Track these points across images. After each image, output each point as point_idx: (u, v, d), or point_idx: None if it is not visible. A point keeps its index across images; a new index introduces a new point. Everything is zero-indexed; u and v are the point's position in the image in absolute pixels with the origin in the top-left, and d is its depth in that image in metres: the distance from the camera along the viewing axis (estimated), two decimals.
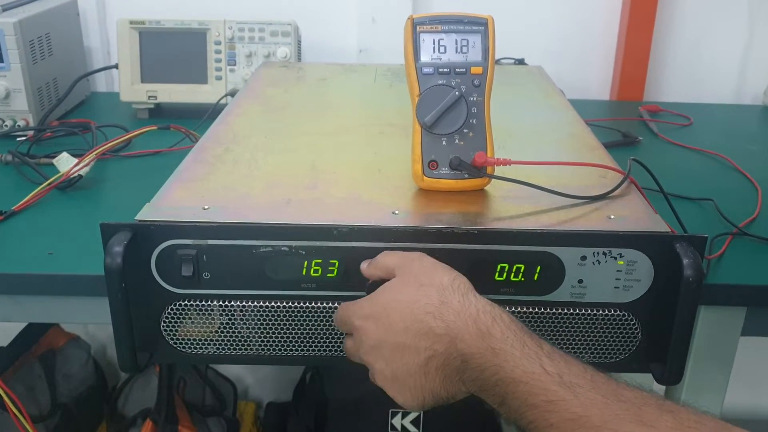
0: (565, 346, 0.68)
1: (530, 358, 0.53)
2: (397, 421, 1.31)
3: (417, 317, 0.56)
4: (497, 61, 1.37)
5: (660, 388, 0.81)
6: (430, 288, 0.58)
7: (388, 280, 0.62)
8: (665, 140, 1.26)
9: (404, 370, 0.57)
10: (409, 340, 0.57)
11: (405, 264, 0.61)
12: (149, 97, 1.32)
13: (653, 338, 0.67)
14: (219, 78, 1.32)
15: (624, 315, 0.67)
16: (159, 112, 1.35)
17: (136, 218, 0.65)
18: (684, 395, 0.92)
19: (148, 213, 0.66)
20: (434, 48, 0.71)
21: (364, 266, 0.64)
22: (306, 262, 0.65)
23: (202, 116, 1.20)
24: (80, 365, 1.47)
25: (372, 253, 0.65)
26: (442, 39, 0.71)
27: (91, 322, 1.44)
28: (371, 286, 0.63)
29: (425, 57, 0.70)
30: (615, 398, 0.50)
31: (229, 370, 1.60)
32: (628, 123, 1.33)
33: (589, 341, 0.68)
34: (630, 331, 0.67)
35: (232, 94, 1.28)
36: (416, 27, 0.71)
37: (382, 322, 0.58)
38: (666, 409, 0.49)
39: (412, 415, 1.30)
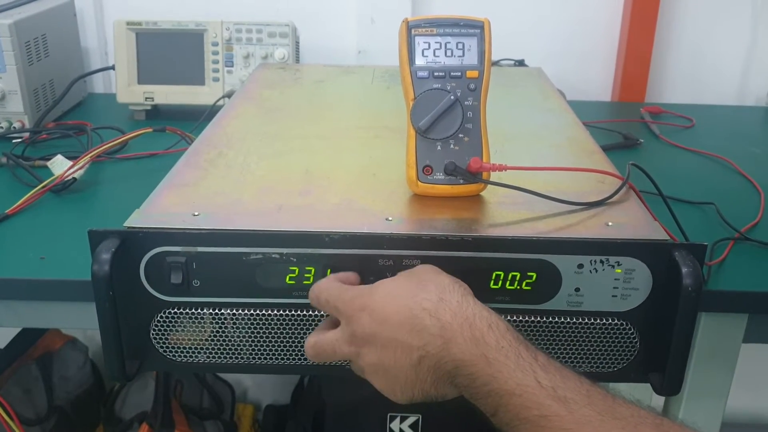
0: (561, 356, 0.67)
1: (524, 370, 0.51)
2: (395, 425, 1.29)
3: (413, 312, 0.55)
4: (496, 63, 1.36)
5: (660, 397, 0.80)
6: (430, 284, 0.57)
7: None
8: (666, 142, 1.25)
9: (395, 366, 0.56)
10: (402, 336, 0.55)
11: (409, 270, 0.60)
12: (146, 98, 1.32)
13: (652, 348, 0.66)
14: (216, 79, 1.31)
15: (622, 324, 0.65)
16: (156, 114, 1.34)
17: (124, 225, 0.64)
18: (685, 403, 0.91)
19: (137, 219, 0.65)
20: (429, 51, 0.69)
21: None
22: (297, 270, 0.64)
23: (199, 118, 1.19)
24: (77, 368, 1.47)
25: (365, 260, 0.63)
26: (438, 42, 0.69)
27: (84, 327, 1.43)
28: None
29: (420, 61, 0.69)
30: (610, 415, 0.49)
31: (227, 373, 1.59)
32: (629, 124, 1.31)
33: (586, 351, 0.67)
34: (628, 341, 0.66)
35: (230, 95, 1.27)
36: (411, 30, 0.69)
37: (376, 315, 0.57)
38: (663, 428, 0.48)
39: (411, 419, 1.28)
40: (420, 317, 0.55)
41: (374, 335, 0.57)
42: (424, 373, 0.55)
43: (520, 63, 1.38)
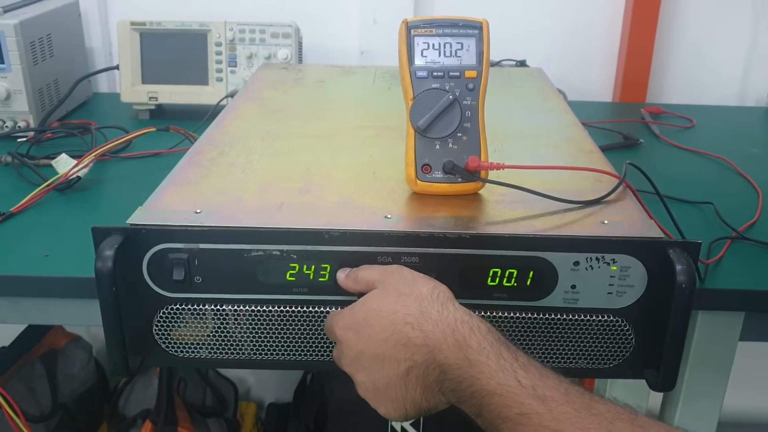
0: (557, 352, 0.68)
1: (505, 370, 0.53)
2: (397, 424, 1.30)
3: (396, 328, 0.57)
4: (498, 63, 1.37)
5: (657, 396, 0.81)
6: (410, 298, 0.58)
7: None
8: (667, 142, 1.26)
9: (385, 381, 0.57)
10: (388, 351, 0.57)
11: (385, 277, 0.61)
12: (150, 98, 1.33)
13: (647, 344, 0.66)
14: (220, 79, 1.32)
15: (617, 321, 0.66)
16: (160, 114, 1.35)
17: (127, 222, 0.65)
18: (682, 401, 0.91)
19: (139, 217, 0.66)
20: (428, 52, 0.70)
21: (342, 277, 0.64)
22: (298, 267, 0.65)
23: (203, 117, 1.20)
24: (82, 365, 1.48)
25: (364, 258, 0.64)
26: (437, 42, 0.70)
27: (88, 324, 1.44)
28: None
29: (419, 61, 0.70)
30: (587, 412, 0.50)
31: (230, 370, 1.60)
32: (629, 125, 1.32)
33: (582, 347, 0.67)
34: (623, 337, 0.67)
35: (233, 95, 1.28)
36: (410, 30, 0.70)
37: (362, 334, 0.58)
38: (638, 424, 0.50)
39: None
40: (404, 331, 0.56)
41: (361, 353, 0.59)
42: (413, 385, 0.56)
43: (522, 63, 1.39)
